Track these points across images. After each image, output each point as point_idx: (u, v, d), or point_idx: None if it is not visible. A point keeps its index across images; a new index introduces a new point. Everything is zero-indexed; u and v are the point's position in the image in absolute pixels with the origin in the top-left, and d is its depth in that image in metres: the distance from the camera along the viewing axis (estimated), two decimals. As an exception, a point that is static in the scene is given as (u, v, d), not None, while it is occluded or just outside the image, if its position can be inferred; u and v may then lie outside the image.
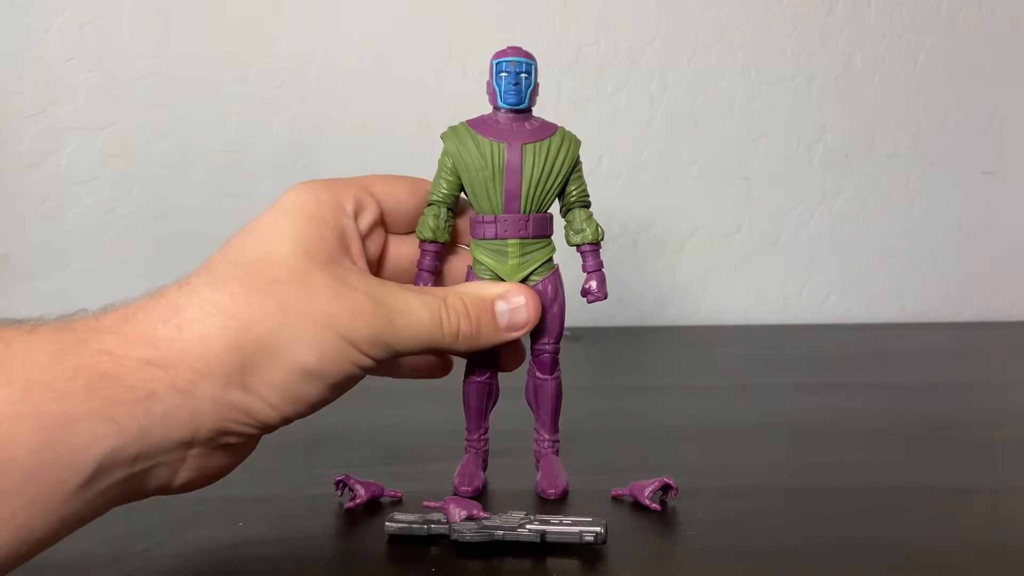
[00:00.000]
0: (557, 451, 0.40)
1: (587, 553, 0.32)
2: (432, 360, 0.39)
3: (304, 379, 0.30)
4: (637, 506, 0.37)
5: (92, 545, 0.32)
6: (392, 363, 0.37)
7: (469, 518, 0.33)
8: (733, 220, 0.78)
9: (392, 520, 0.34)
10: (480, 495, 0.38)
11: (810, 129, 0.77)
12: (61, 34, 0.70)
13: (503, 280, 0.37)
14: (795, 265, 0.79)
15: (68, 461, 0.26)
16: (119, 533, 0.33)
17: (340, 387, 0.32)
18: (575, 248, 0.38)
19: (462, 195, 0.38)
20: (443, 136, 0.37)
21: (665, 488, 0.37)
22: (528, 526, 0.33)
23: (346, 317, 0.31)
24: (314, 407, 0.32)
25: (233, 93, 0.72)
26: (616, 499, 0.38)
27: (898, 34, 0.76)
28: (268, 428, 0.31)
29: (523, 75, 0.36)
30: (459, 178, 0.37)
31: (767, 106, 0.76)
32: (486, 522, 0.33)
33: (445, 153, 0.37)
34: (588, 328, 0.75)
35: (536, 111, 0.38)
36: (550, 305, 0.37)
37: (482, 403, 0.40)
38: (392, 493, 0.38)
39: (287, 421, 0.32)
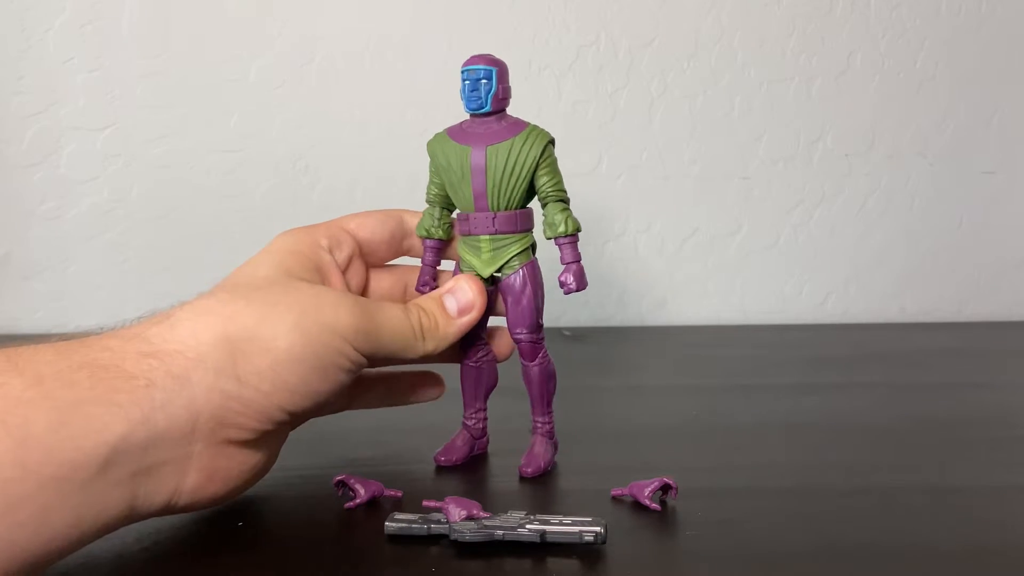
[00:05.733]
0: (550, 432, 0.42)
1: (587, 553, 0.32)
2: (428, 382, 0.43)
3: (292, 364, 0.32)
4: (637, 506, 0.37)
5: (92, 544, 0.32)
6: (390, 386, 0.42)
7: (469, 518, 0.33)
8: (733, 220, 0.78)
9: (392, 520, 0.34)
10: (480, 495, 0.38)
11: (810, 129, 0.77)
12: (61, 34, 0.70)
13: (479, 273, 0.40)
14: (795, 265, 0.79)
15: (83, 443, 0.27)
16: (119, 532, 0.33)
17: (332, 377, 0.33)
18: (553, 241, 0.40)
19: None
20: (428, 144, 0.40)
21: (665, 488, 0.37)
22: (528, 526, 0.33)
23: (329, 308, 0.33)
24: (311, 398, 0.33)
25: (233, 93, 0.72)
26: (616, 499, 0.38)
27: (898, 34, 0.76)
28: (268, 420, 0.32)
29: (481, 81, 0.38)
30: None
31: (767, 106, 0.76)
32: (486, 522, 0.33)
33: (430, 159, 0.40)
34: (588, 328, 0.75)
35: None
36: (519, 297, 0.40)
37: (472, 384, 0.42)
38: (392, 493, 0.38)
39: (289, 414, 0.33)
